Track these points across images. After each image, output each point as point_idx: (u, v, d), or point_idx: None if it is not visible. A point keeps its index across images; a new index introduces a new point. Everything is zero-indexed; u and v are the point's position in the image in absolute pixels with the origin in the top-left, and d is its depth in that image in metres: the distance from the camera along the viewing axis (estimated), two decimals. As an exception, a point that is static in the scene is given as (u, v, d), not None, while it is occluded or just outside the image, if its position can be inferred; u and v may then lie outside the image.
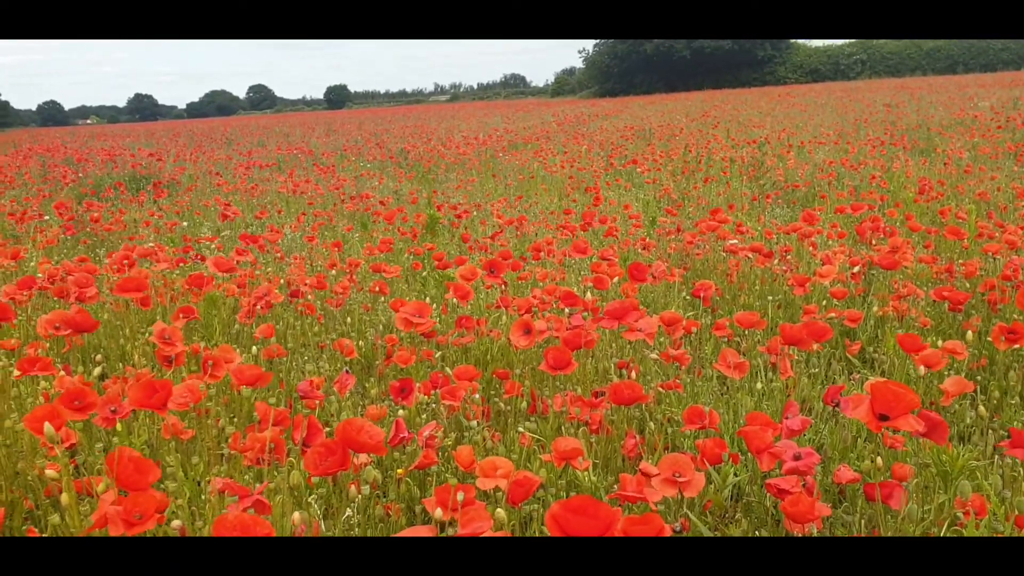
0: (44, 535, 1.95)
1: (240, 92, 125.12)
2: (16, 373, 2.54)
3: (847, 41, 65.11)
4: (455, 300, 3.26)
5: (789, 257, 4.09)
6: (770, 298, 3.53)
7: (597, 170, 10.87)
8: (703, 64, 64.77)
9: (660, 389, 2.55)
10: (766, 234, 4.79)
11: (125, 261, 3.53)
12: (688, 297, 3.87)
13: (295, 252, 5.36)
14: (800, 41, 68.23)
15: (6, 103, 79.83)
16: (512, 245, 5.70)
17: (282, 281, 4.07)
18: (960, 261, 4.24)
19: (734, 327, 2.99)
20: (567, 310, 2.75)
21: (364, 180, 10.23)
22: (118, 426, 2.41)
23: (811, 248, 4.57)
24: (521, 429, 2.22)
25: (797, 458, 1.90)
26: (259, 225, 6.86)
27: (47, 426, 1.59)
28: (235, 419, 2.62)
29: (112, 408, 2.14)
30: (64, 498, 1.59)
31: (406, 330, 2.64)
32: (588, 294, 2.92)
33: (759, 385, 2.66)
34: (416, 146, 14.65)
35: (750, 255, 4.17)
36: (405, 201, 8.63)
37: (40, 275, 3.58)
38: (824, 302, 3.74)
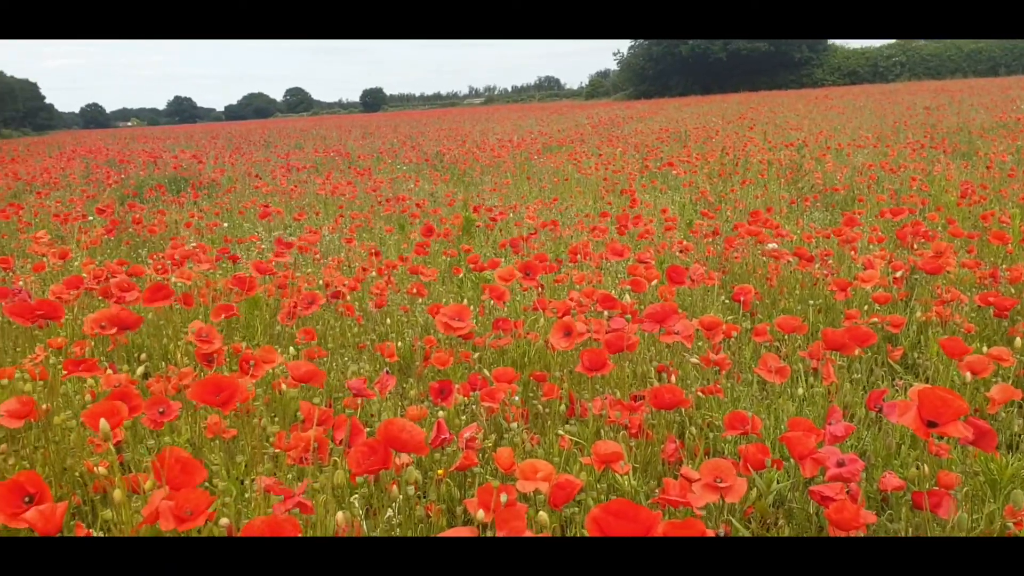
0: (93, 530, 1.99)
1: (277, 95, 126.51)
2: (64, 372, 2.59)
3: (886, 43, 64.20)
4: (492, 302, 3.27)
5: (830, 261, 4.04)
6: (811, 303, 3.50)
7: (632, 172, 10.83)
8: (739, 66, 64.29)
9: (700, 394, 2.54)
10: (805, 238, 4.74)
11: (169, 262, 3.59)
12: (727, 301, 3.85)
13: (332, 254, 5.41)
14: (838, 43, 67.44)
15: (50, 106, 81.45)
16: (547, 247, 5.70)
17: (319, 282, 4.11)
18: (1004, 266, 4.16)
19: (774, 332, 2.96)
20: (606, 313, 2.74)
21: (400, 182, 10.29)
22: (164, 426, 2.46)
23: (851, 252, 4.51)
24: (561, 432, 2.22)
25: (841, 464, 1.88)
26: (297, 226, 6.93)
27: (102, 422, 1.62)
28: (276, 418, 2.65)
29: (160, 409, 2.18)
30: (116, 494, 1.62)
31: (446, 333, 2.65)
32: (626, 296, 2.91)
33: (800, 390, 2.64)
34: (451, 149, 14.70)
35: (790, 259, 4.13)
36: (441, 203, 8.67)
37: (85, 275, 3.65)
38: (866, 307, 3.69)
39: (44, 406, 2.23)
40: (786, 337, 3.42)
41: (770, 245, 4.62)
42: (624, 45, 76.53)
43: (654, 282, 3.40)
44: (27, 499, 1.60)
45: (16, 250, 6.36)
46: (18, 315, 2.51)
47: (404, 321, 3.88)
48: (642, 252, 3.87)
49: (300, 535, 1.36)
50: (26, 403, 1.88)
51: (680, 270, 3.30)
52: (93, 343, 3.13)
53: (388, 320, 3.69)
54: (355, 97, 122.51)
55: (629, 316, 2.81)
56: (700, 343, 3.02)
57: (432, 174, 11.71)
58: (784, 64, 63.93)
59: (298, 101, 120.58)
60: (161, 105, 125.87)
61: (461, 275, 4.69)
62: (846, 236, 4.45)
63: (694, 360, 2.53)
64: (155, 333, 3.39)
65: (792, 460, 2.20)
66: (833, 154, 12.03)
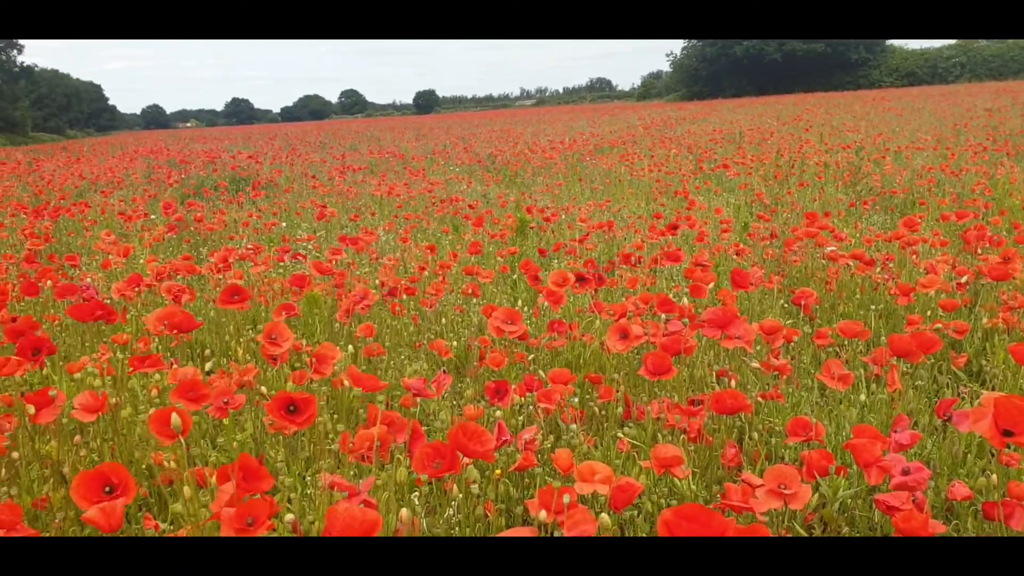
0: (160, 523, 2.04)
1: (332, 97, 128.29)
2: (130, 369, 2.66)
3: (945, 43, 62.79)
4: (546, 304, 3.27)
5: (891, 266, 3.96)
6: (872, 308, 3.43)
7: (685, 174, 10.74)
8: (794, 67, 63.41)
9: (759, 399, 2.51)
10: (865, 241, 4.65)
11: (224, 262, 3.66)
12: (785, 305, 3.79)
13: (388, 253, 5.46)
14: (896, 43, 66.12)
15: (113, 107, 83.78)
16: (600, 249, 5.68)
17: (375, 281, 4.16)
18: (1075, 272, 4.03)
19: (836, 336, 2.91)
20: (663, 316, 2.72)
21: (453, 184, 10.35)
22: (226, 421, 2.51)
23: (913, 256, 4.41)
24: (620, 434, 2.21)
25: (906, 473, 1.85)
26: (353, 227, 7.01)
27: (174, 416, 1.66)
28: (335, 415, 2.68)
29: (225, 400, 2.23)
30: (186, 491, 1.66)
31: (498, 336, 2.66)
32: (684, 299, 2.89)
33: (863, 396, 2.59)
34: (503, 150, 14.74)
35: (850, 263, 4.05)
36: (493, 204, 8.70)
37: (148, 273, 3.75)
38: (929, 312, 3.61)
39: (113, 400, 2.29)
40: (847, 342, 3.36)
41: (829, 248, 4.55)
42: (677, 46, 76.12)
43: (712, 284, 3.36)
44: (107, 489, 1.65)
45: (82, 248, 6.55)
46: (79, 315, 2.59)
47: (459, 321, 3.90)
48: (699, 255, 3.83)
49: (379, 527, 1.38)
50: (98, 398, 1.94)
51: (743, 274, 3.26)
52: (156, 340, 3.21)
53: (443, 320, 3.71)
54: (408, 99, 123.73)
55: (687, 320, 2.79)
56: (759, 347, 2.98)
57: (484, 175, 11.75)
58: (840, 65, 62.86)
59: (352, 103, 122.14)
60: (219, 107, 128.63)
61: (515, 276, 4.70)
62: (907, 240, 4.36)
63: (755, 364, 2.50)
64: (216, 331, 3.46)
65: (854, 467, 2.16)
66: (892, 156, 11.78)
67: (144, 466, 2.40)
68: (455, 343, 3.50)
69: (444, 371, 2.58)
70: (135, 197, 9.20)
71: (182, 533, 1.74)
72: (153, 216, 7.13)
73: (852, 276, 4.00)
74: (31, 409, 1.94)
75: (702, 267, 3.81)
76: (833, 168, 10.42)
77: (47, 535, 1.97)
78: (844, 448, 1.90)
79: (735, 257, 5.14)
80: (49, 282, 3.40)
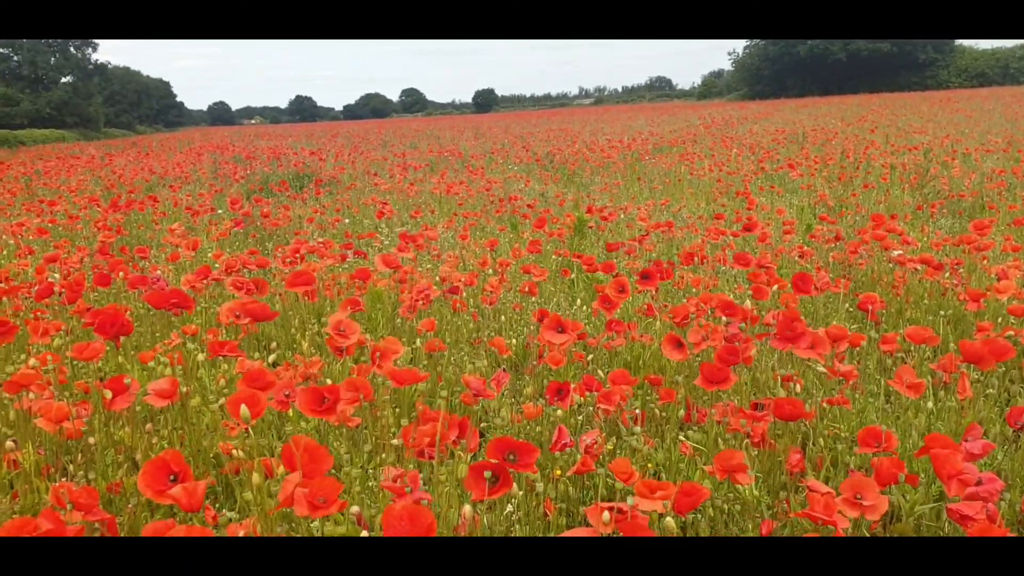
0: (226, 511, 2.09)
1: (393, 95, 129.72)
2: (200, 356, 2.74)
3: (1018, 43, 60.81)
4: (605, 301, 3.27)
5: (960, 271, 3.85)
6: (941, 313, 3.34)
7: (747, 174, 10.59)
8: (859, 67, 62.08)
9: (824, 404, 2.47)
10: (933, 245, 4.53)
11: (295, 255, 3.73)
12: (850, 309, 3.72)
13: (448, 250, 5.50)
14: (965, 43, 64.28)
15: (181, 104, 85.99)
16: (659, 249, 5.64)
17: (436, 278, 4.19)
18: None
19: (903, 342, 2.85)
20: (724, 319, 2.70)
21: (511, 182, 10.37)
22: (291, 412, 2.56)
23: (983, 262, 4.29)
24: (683, 438, 2.20)
25: (979, 483, 1.81)
26: (414, 224, 7.08)
27: (243, 408, 1.70)
28: (397, 409, 2.72)
29: (286, 392, 2.28)
30: (255, 478, 1.70)
31: (547, 344, 2.67)
32: (747, 302, 2.86)
33: (931, 404, 2.53)
34: (561, 149, 14.72)
35: (918, 267, 3.96)
36: (551, 203, 8.70)
37: (217, 266, 3.84)
38: (999, 319, 3.51)
39: (184, 389, 2.36)
40: (913, 348, 3.29)
41: (896, 252, 4.45)
42: (740, 45, 75.11)
43: (775, 288, 3.32)
44: (171, 477, 1.70)
45: (151, 240, 6.74)
46: (154, 301, 2.66)
47: (517, 319, 3.92)
48: (762, 257, 3.78)
49: (433, 524, 1.40)
50: (173, 384, 2.00)
51: (806, 278, 3.21)
52: (224, 331, 3.29)
53: (502, 318, 3.73)
54: (467, 98, 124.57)
55: (746, 324, 2.76)
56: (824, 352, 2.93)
57: (542, 174, 11.75)
58: (907, 65, 61.37)
59: (413, 101, 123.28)
60: (283, 104, 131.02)
61: (572, 276, 4.70)
62: (978, 244, 4.24)
63: (820, 369, 2.46)
64: (283, 324, 3.53)
65: (923, 475, 2.12)
66: (960, 159, 11.46)
67: (212, 455, 2.46)
68: (514, 340, 3.51)
69: (503, 369, 2.59)
70: (202, 192, 9.42)
71: (248, 522, 1.79)
72: (220, 211, 7.30)
73: (920, 281, 3.91)
74: (108, 394, 2.00)
75: (767, 269, 3.77)
76: (899, 170, 10.18)
77: (120, 520, 2.03)
78: (915, 456, 1.86)
79: (798, 259, 5.06)
80: (121, 273, 3.50)
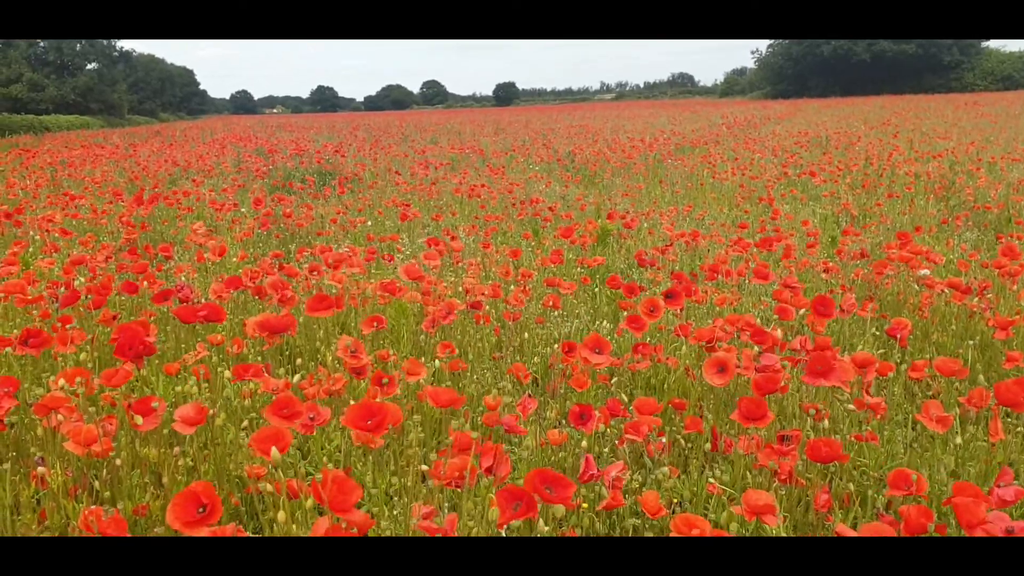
0: (251, 533, 2.10)
1: (414, 87, 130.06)
2: (227, 375, 2.75)
3: (1049, 44, 60.15)
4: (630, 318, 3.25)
5: (988, 296, 3.81)
6: (970, 343, 3.31)
7: (770, 179, 10.53)
8: (883, 68, 61.58)
9: (852, 439, 2.45)
10: (960, 266, 4.47)
11: (323, 265, 3.74)
12: (877, 332, 3.69)
13: (470, 257, 5.50)
14: (992, 45, 63.58)
15: (203, 92, 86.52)
16: (682, 261, 5.62)
17: (459, 288, 4.19)
18: None
19: (931, 371, 2.82)
20: (756, 347, 2.68)
21: (532, 183, 10.36)
22: (315, 431, 2.57)
23: (1013, 286, 4.23)
24: (711, 479, 2.19)
25: (1010, 532, 1.79)
26: (435, 227, 7.08)
27: (273, 451, 1.71)
28: (422, 430, 2.72)
29: (311, 416, 2.28)
30: (280, 516, 1.71)
31: (585, 365, 2.66)
32: (778, 331, 2.84)
33: (959, 439, 2.50)
34: (582, 148, 14.68)
35: (944, 290, 3.91)
36: (572, 206, 8.68)
37: (240, 269, 3.86)
38: (1029, 347, 3.47)
39: (210, 411, 2.37)
40: (939, 376, 3.27)
41: (922, 272, 4.41)
42: (763, 44, 74.68)
43: (802, 310, 3.29)
44: (200, 509, 1.71)
45: (175, 236, 6.78)
46: (184, 316, 2.67)
47: (539, 334, 3.91)
48: (788, 277, 3.75)
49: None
50: (199, 410, 2.01)
51: (828, 301, 3.18)
52: (250, 341, 3.30)
53: (525, 334, 3.73)
54: (488, 91, 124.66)
55: (779, 349, 2.74)
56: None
57: (563, 175, 11.73)
58: (931, 67, 60.81)
59: (434, 94, 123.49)
60: (305, 94, 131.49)
61: (595, 291, 4.68)
62: (1008, 269, 4.19)
63: (851, 407, 2.44)
64: (307, 334, 3.54)
65: (953, 523, 2.10)
66: (985, 167, 11.34)
67: (236, 476, 2.47)
68: (536, 359, 3.51)
69: (529, 395, 2.59)
70: (225, 188, 9.47)
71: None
72: (243, 209, 7.33)
73: (947, 304, 3.86)
74: (139, 419, 2.01)
75: (792, 290, 3.74)
76: (924, 179, 10.09)
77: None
78: (943, 505, 1.84)
79: (823, 275, 5.02)
80: (146, 283, 3.52)
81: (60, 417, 2.03)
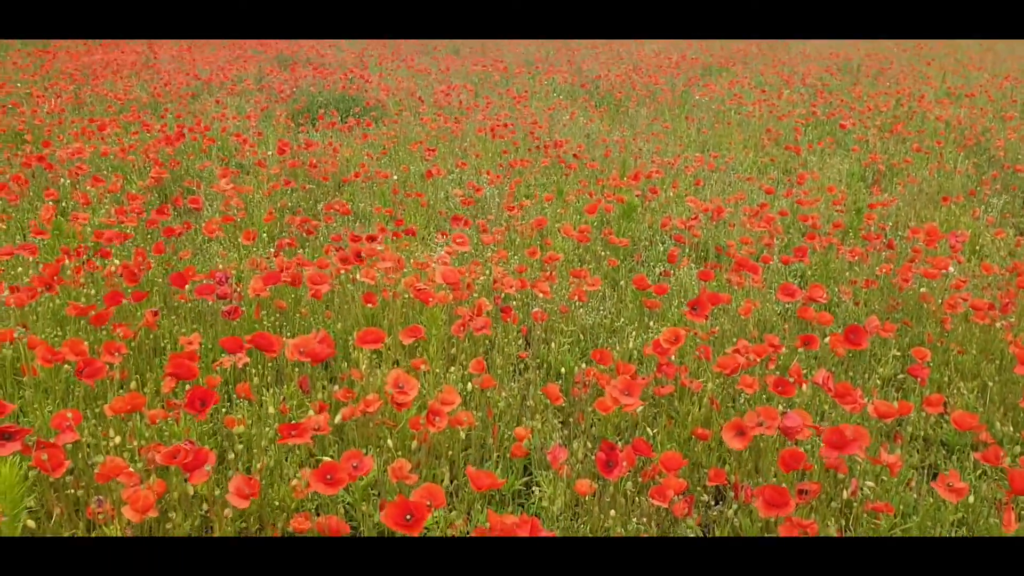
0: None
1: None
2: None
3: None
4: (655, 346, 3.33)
5: (1010, 319, 3.83)
6: (989, 385, 3.36)
7: (798, 120, 10.36)
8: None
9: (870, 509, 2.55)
10: (984, 269, 4.48)
11: (354, 255, 3.81)
12: (897, 353, 3.76)
13: (495, 225, 5.52)
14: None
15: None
16: (705, 234, 5.63)
17: (488, 275, 4.25)
18: None
19: (949, 427, 2.91)
20: (781, 408, 2.76)
21: (556, 116, 10.23)
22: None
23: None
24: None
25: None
26: (459, 176, 7.08)
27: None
28: (448, 472, 2.84)
29: (354, 464, 2.39)
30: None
31: (613, 408, 2.74)
32: (803, 387, 2.91)
33: (971, 499, 2.60)
34: (607, 71, 14.38)
35: (963, 301, 3.93)
36: (597, 145, 8.61)
37: (276, 265, 3.93)
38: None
39: (257, 466, 2.49)
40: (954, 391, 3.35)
41: (949, 271, 4.43)
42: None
43: (826, 339, 3.35)
44: None
45: (201, 173, 6.80)
46: (229, 348, 2.75)
47: (564, 329, 3.99)
48: (813, 289, 3.78)
49: None
50: (252, 484, 2.12)
51: (859, 331, 3.23)
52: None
53: (552, 345, 3.81)
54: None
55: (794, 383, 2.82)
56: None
57: (587, 103, 11.56)
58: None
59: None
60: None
61: (621, 281, 4.73)
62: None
63: (871, 485, 2.53)
64: (341, 343, 3.63)
65: None
66: (1020, 111, 11.11)
67: (276, 503, 2.61)
68: (563, 369, 3.61)
69: (560, 444, 2.69)
70: (248, 112, 9.41)
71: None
72: (269, 152, 7.32)
73: (968, 322, 3.90)
74: (189, 489, 2.13)
75: (815, 301, 3.79)
76: (954, 126, 9.91)
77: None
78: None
79: (847, 257, 5.04)
80: (189, 285, 3.60)
81: (119, 482, 2.14)
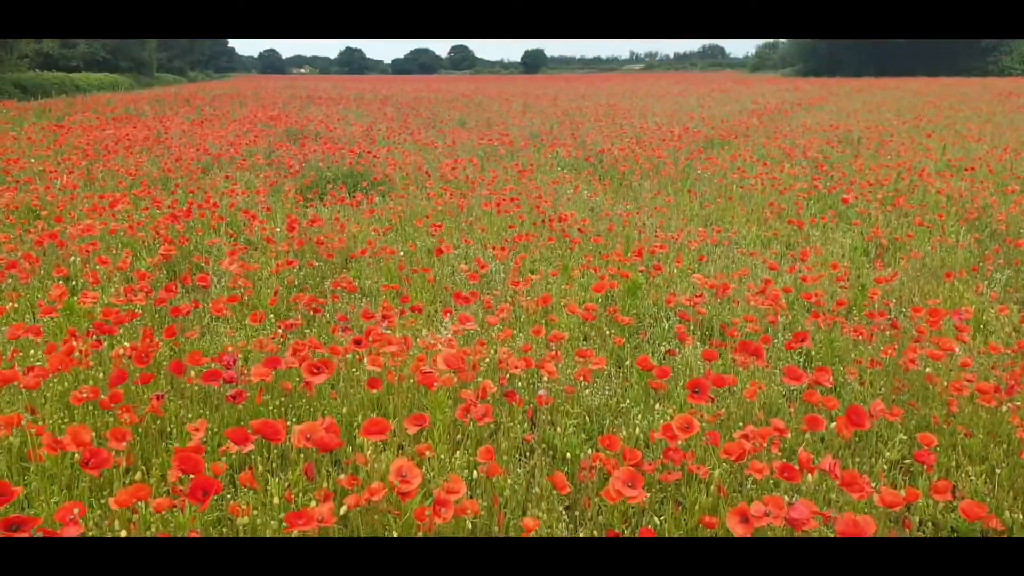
0: None
1: (442, 52, 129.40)
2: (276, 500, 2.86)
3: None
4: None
5: (1017, 403, 3.82)
6: (997, 472, 3.34)
7: (800, 193, 10.49)
8: (918, 48, 60.49)
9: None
10: (990, 348, 4.49)
11: (357, 342, 3.83)
12: (904, 438, 3.75)
13: (500, 301, 5.56)
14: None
15: (231, 50, 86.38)
16: (710, 311, 5.66)
17: (493, 354, 4.26)
18: None
19: (957, 517, 2.88)
20: (786, 499, 2.75)
21: (560, 189, 10.38)
22: None
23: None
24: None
25: None
26: (465, 252, 7.14)
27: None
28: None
29: None
30: None
31: (618, 499, 2.74)
32: (809, 476, 2.91)
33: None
34: (610, 144, 14.63)
35: (968, 382, 3.92)
36: (601, 219, 8.70)
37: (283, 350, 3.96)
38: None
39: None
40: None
41: (955, 352, 4.43)
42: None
43: (832, 425, 3.35)
44: None
45: (209, 250, 6.89)
46: (235, 439, 2.76)
47: (568, 413, 3.99)
48: (818, 373, 3.79)
49: None
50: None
51: (861, 412, 3.24)
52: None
53: (557, 428, 3.81)
54: (516, 57, 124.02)
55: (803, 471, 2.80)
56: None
57: (591, 176, 11.74)
58: (967, 50, 59.66)
59: (462, 59, 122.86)
60: (333, 55, 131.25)
61: (628, 362, 4.74)
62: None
63: None
64: (346, 427, 3.64)
65: None
66: (1022, 185, 11.21)
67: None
68: (568, 455, 3.60)
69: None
70: (258, 188, 9.56)
71: None
72: (277, 228, 7.42)
73: (975, 404, 3.89)
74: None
75: (820, 384, 3.79)
76: (955, 199, 10.01)
77: None
78: None
79: (851, 335, 5.05)
80: (194, 371, 3.62)
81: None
